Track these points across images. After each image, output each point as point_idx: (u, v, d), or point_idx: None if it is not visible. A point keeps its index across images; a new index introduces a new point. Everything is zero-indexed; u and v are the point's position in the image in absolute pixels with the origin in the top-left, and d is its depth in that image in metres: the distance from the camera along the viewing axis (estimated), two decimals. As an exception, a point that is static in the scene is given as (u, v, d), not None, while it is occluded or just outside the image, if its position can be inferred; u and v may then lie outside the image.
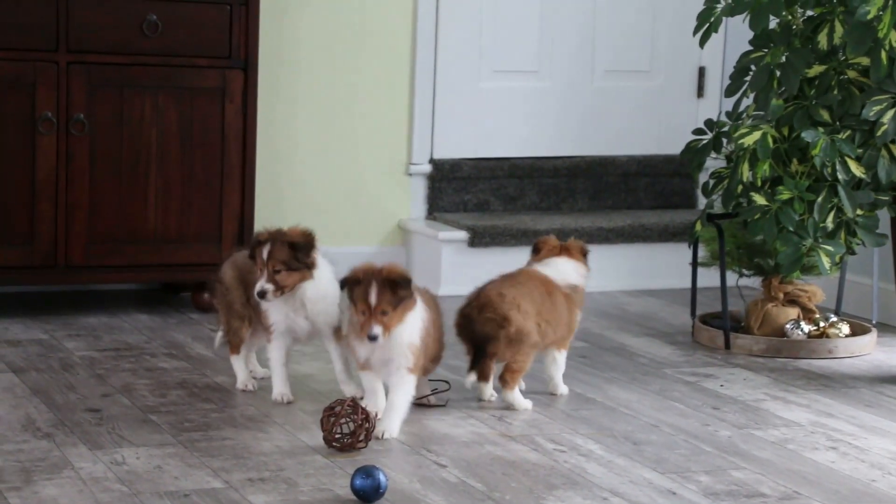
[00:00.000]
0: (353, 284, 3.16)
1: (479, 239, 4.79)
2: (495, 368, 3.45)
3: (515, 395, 3.45)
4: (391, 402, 3.20)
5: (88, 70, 4.16)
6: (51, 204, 4.15)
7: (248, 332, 3.53)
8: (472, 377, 3.42)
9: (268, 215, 4.70)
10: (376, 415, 3.16)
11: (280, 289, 3.33)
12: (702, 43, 4.11)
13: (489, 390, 3.49)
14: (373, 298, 3.12)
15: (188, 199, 4.30)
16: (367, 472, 2.75)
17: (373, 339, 3.12)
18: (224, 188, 4.33)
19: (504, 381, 3.45)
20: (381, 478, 2.74)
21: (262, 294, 3.32)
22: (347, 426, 3.05)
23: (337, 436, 3.05)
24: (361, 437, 3.05)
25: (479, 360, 3.40)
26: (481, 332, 3.38)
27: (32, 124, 4.12)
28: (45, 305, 4.39)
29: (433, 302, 3.38)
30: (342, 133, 4.92)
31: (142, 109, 4.23)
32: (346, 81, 4.90)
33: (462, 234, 4.81)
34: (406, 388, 3.20)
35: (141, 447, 3.03)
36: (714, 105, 5.31)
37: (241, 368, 3.55)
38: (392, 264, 3.21)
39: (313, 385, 3.60)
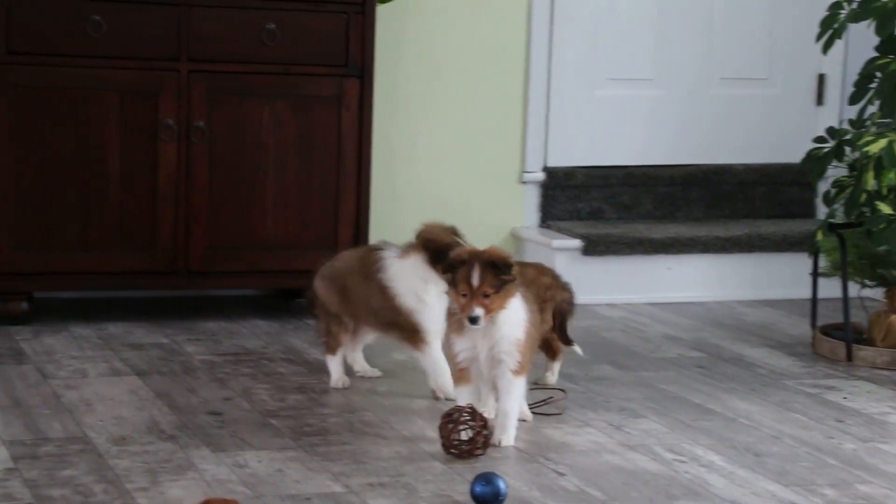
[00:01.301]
0: (456, 265, 3.08)
1: (592, 247, 4.77)
2: None
3: None
4: (502, 410, 3.17)
5: (209, 78, 4.22)
6: (171, 210, 4.22)
7: (347, 337, 3.61)
8: (578, 348, 3.61)
9: (383, 222, 4.73)
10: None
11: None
12: (825, 49, 4.05)
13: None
14: (475, 279, 3.04)
15: (305, 206, 4.34)
16: (486, 478, 2.74)
17: (474, 320, 3.04)
18: (340, 195, 4.36)
19: (557, 353, 3.63)
20: (501, 485, 2.74)
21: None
22: (466, 433, 3.05)
23: (455, 442, 3.05)
24: (479, 444, 3.05)
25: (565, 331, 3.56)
26: (570, 297, 3.55)
27: (154, 132, 4.19)
28: (165, 310, 4.45)
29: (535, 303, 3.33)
30: (456, 140, 4.93)
31: (260, 117, 4.28)
32: (460, 89, 4.91)
33: (576, 243, 4.79)
34: (515, 392, 3.15)
35: (262, 450, 3.06)
36: (834, 113, 5.23)
37: (336, 368, 3.62)
38: (494, 247, 3.13)
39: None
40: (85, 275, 4.18)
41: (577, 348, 3.62)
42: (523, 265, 3.50)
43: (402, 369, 3.81)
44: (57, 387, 3.50)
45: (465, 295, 3.07)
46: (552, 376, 3.65)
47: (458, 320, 3.11)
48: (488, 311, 3.06)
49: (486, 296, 3.05)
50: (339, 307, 3.57)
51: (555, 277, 3.57)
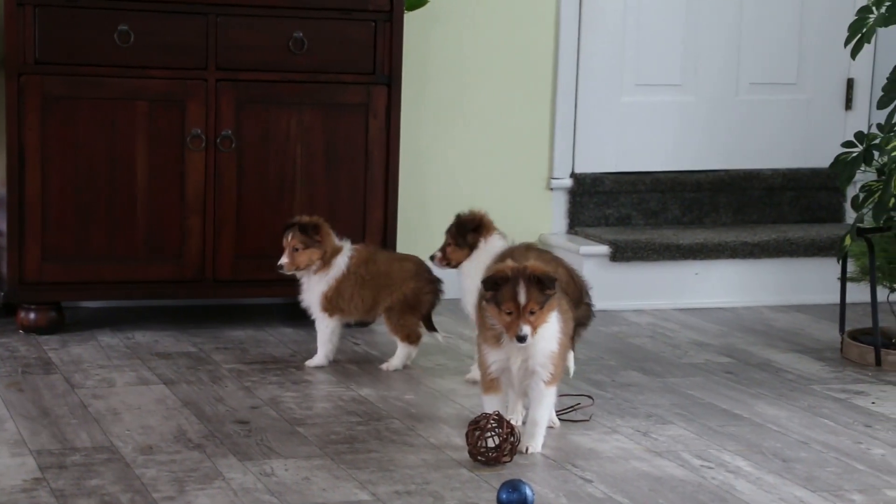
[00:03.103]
0: (502, 282, 3.02)
1: (620, 253, 4.76)
2: None
3: None
4: (532, 418, 3.17)
5: (236, 87, 4.23)
6: (200, 219, 4.24)
7: None
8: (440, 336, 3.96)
9: (410, 229, 4.73)
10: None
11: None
12: (853, 54, 4.03)
13: None
14: (522, 297, 3.00)
15: (332, 214, 4.34)
16: (513, 485, 2.74)
17: (522, 339, 3.00)
18: (367, 203, 4.37)
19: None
20: (528, 492, 2.73)
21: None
22: (492, 440, 3.05)
23: (482, 449, 3.05)
24: (506, 451, 3.05)
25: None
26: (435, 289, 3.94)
27: (182, 141, 4.21)
28: (193, 319, 4.47)
29: (568, 311, 3.31)
30: (483, 148, 4.93)
31: (287, 125, 4.29)
32: (488, 96, 4.91)
33: (604, 249, 4.78)
34: (546, 402, 3.15)
35: (289, 459, 3.07)
36: (863, 117, 5.20)
37: None
38: (535, 263, 3.10)
39: (457, 399, 3.60)
40: (113, 284, 4.20)
41: (439, 336, 3.94)
42: (399, 257, 3.93)
43: (428, 375, 3.82)
44: (84, 396, 3.52)
45: (510, 313, 3.02)
46: (398, 361, 3.87)
47: (496, 334, 3.09)
48: (534, 327, 3.03)
49: (532, 312, 3.02)
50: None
51: (425, 270, 3.87)
